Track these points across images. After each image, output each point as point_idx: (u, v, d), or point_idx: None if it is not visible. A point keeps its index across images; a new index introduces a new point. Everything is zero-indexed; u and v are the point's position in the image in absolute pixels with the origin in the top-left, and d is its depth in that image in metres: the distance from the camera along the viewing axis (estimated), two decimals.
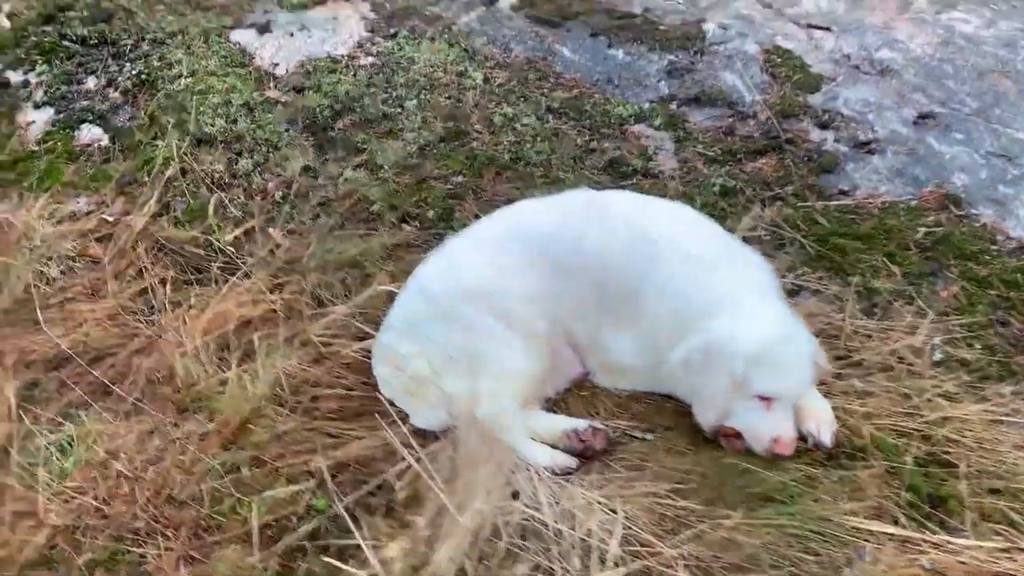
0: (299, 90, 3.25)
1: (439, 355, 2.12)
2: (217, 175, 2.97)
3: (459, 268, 2.20)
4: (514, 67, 3.32)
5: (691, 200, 2.73)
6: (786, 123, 3.04)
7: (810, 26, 3.46)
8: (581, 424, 2.05)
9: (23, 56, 3.53)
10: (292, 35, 3.53)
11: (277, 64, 3.40)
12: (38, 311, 2.62)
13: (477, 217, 2.74)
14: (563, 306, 2.18)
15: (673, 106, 3.14)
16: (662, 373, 2.10)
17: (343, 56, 3.40)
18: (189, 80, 3.30)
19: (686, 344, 2.00)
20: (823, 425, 2.02)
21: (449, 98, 3.19)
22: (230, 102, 3.20)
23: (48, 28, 3.63)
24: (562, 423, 2.07)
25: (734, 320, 1.96)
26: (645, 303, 2.09)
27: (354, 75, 3.30)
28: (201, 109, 3.17)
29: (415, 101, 3.17)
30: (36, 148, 3.17)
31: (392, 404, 2.16)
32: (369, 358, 2.31)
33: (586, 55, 3.36)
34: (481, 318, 2.11)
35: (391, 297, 2.41)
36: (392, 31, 3.49)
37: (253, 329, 2.45)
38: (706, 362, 1.97)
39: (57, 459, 2.15)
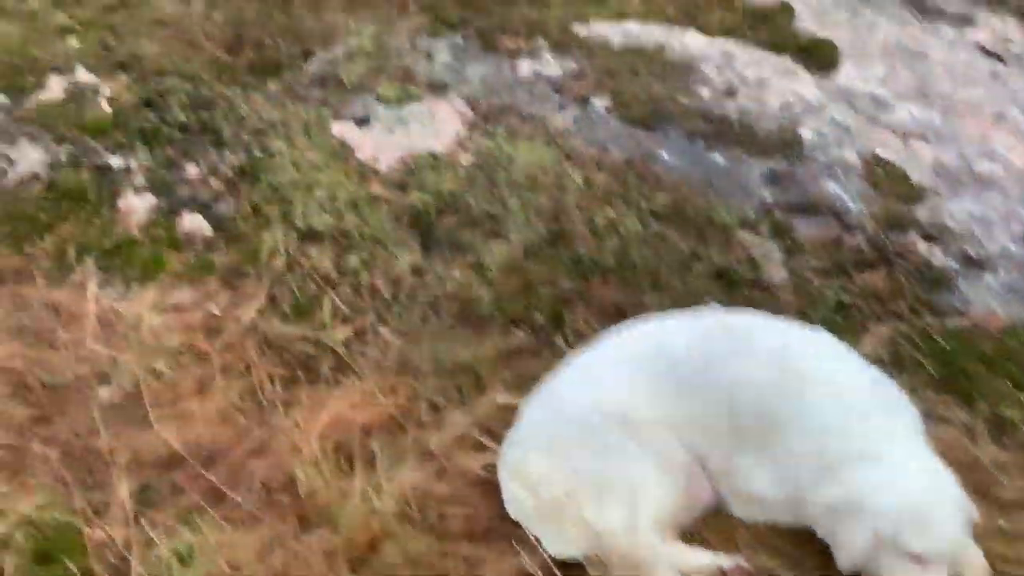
0: (402, 187, 3.28)
1: (575, 478, 2.07)
2: (324, 271, 2.97)
3: (597, 388, 2.17)
4: (613, 169, 3.34)
5: (806, 315, 2.71)
6: (893, 235, 3.03)
7: (906, 135, 3.47)
8: (727, 562, 1.98)
9: (124, 140, 3.58)
10: (391, 130, 3.57)
11: (378, 159, 3.43)
12: (148, 408, 2.60)
13: (587, 324, 2.72)
14: (698, 432, 2.14)
15: (778, 214, 3.14)
16: (801, 509, 2.05)
17: (443, 153, 3.43)
18: (293, 173, 3.33)
19: (830, 490, 1.95)
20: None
21: (551, 199, 3.20)
22: (335, 197, 3.23)
23: (149, 114, 3.69)
24: (706, 559, 2.01)
25: (883, 471, 1.92)
26: (787, 437, 2.05)
27: (455, 173, 3.33)
28: (307, 203, 3.19)
29: (517, 201, 3.18)
30: (139, 236, 3.19)
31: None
32: (493, 473, 2.27)
33: (685, 158, 3.38)
34: (620, 442, 2.07)
35: (510, 408, 2.37)
36: (490, 129, 3.53)
37: (370, 435, 2.42)
38: (851, 512, 1.92)
39: (178, 571, 2.11)
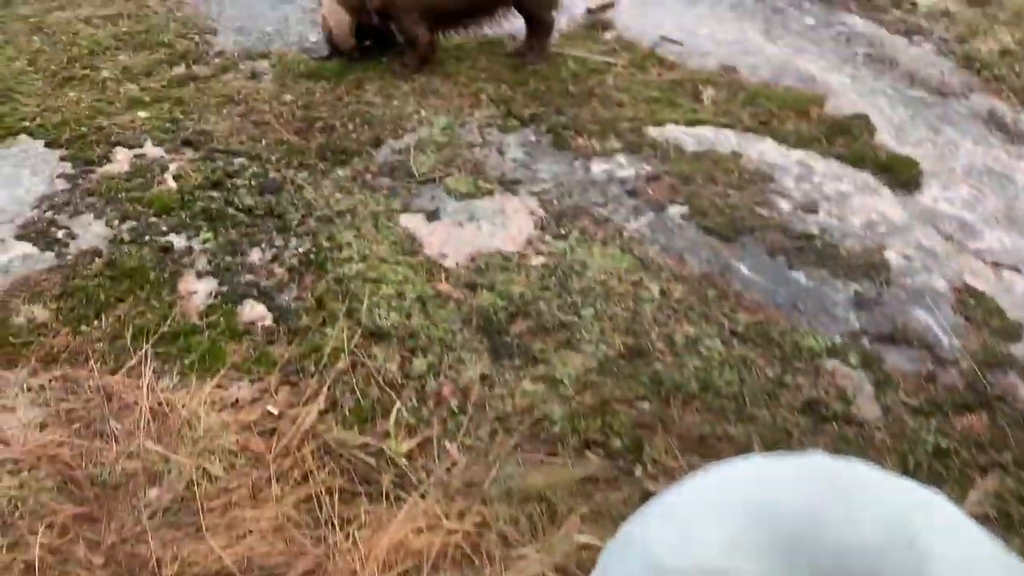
0: (471, 287, 3.16)
1: None
2: (389, 374, 2.83)
3: (691, 541, 1.98)
4: (691, 281, 3.20)
5: (903, 457, 2.54)
6: (991, 375, 2.86)
7: (996, 264, 3.32)
8: None
9: (188, 220, 3.51)
10: (461, 225, 3.48)
11: (447, 255, 3.33)
12: (199, 514, 2.45)
13: (668, 454, 2.56)
14: None
15: (866, 342, 2.98)
16: None
17: (514, 253, 3.33)
18: (360, 265, 3.23)
19: None
20: None
21: (626, 310, 3.07)
22: (403, 294, 3.11)
23: (215, 194, 3.64)
24: None
25: None
26: None
27: (526, 275, 3.21)
28: (373, 298, 3.08)
29: (591, 311, 3.05)
30: (198, 322, 3.08)
31: None
32: None
33: (766, 275, 3.24)
34: None
35: (590, 548, 2.20)
36: (562, 231, 3.42)
37: (436, 569, 2.25)
38: None
39: None
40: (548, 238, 3.41)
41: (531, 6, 4.39)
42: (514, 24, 4.63)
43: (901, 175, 3.78)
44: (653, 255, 3.32)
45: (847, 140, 4.01)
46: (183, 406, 2.77)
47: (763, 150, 3.93)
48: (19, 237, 3.43)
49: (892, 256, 3.33)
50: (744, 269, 3.26)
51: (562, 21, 4.72)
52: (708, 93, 4.38)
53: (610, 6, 5.23)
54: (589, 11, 5.17)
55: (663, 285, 3.18)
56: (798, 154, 3.92)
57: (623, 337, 2.97)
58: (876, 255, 3.33)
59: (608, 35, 4.96)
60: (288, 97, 4.28)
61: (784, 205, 3.59)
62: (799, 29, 5.04)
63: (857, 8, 5.27)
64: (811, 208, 3.57)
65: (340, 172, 3.77)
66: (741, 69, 4.61)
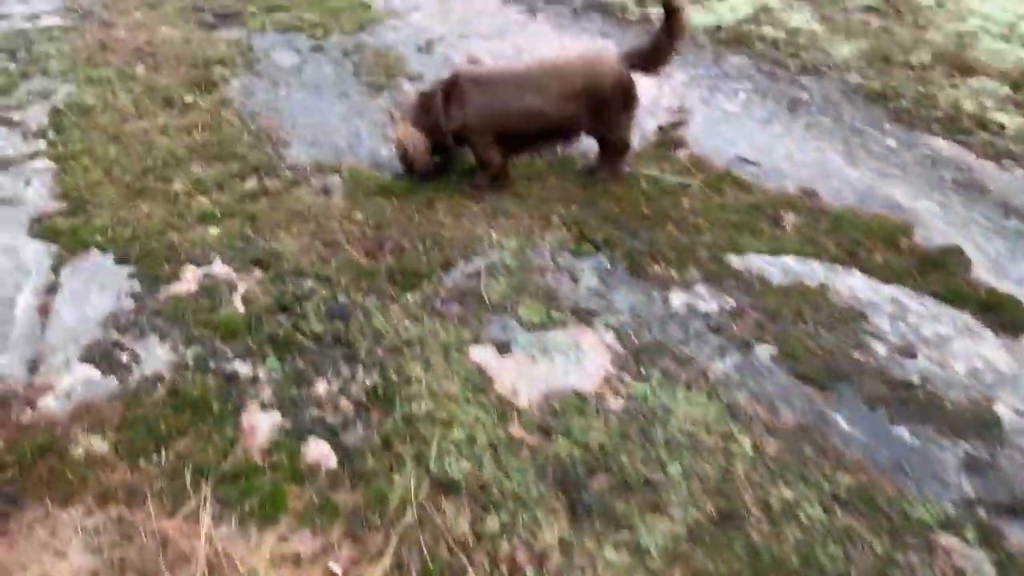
0: (546, 432, 2.98)
1: None
2: (459, 534, 2.63)
3: None
4: (785, 434, 2.97)
5: None
6: None
7: None
8: None
9: (254, 346, 3.41)
10: (533, 359, 3.32)
11: (519, 393, 3.16)
12: None
13: None
14: None
15: (982, 513, 2.70)
16: None
17: (591, 394, 3.14)
18: (429, 404, 3.08)
19: None
20: None
21: (716, 467, 2.84)
22: (474, 438, 2.94)
23: (283, 318, 3.54)
24: None
25: None
26: None
27: (605, 421, 3.02)
28: (443, 443, 2.91)
29: (678, 467, 2.83)
30: (261, 462, 2.93)
31: None
32: None
33: (866, 430, 3.00)
34: None
35: None
36: (642, 370, 3.23)
37: None
38: None
39: None
40: (627, 378, 3.23)
41: (604, 131, 4.31)
42: (585, 143, 4.56)
43: (1004, 316, 3.53)
44: (743, 403, 3.10)
45: (941, 275, 3.79)
46: (242, 560, 2.60)
47: (852, 284, 3.72)
48: (83, 359, 3.36)
49: (1003, 411, 3.06)
50: (842, 422, 3.02)
51: (633, 138, 4.62)
52: (789, 219, 4.21)
53: (682, 123, 5.14)
54: (660, 128, 5.09)
55: (755, 439, 2.95)
56: (890, 290, 3.70)
57: (714, 499, 2.74)
58: (985, 409, 3.07)
59: (681, 153, 4.86)
60: (359, 215, 4.23)
61: (880, 348, 3.36)
62: (881, 151, 4.88)
63: (940, 130, 5.11)
64: (909, 352, 3.33)
65: (410, 297, 3.66)
66: (822, 193, 4.45)
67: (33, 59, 5.91)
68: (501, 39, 6.35)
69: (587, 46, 5.64)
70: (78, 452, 2.97)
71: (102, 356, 3.39)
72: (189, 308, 3.61)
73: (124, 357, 3.39)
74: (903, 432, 2.99)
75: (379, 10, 6.95)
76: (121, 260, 3.90)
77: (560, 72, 4.17)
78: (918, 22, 6.64)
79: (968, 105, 5.26)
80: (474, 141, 4.29)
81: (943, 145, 4.97)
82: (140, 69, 5.81)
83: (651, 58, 4.16)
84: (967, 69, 5.64)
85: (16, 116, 5.11)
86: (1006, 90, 5.42)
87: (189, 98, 5.41)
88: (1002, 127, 5.03)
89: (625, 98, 4.17)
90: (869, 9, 6.90)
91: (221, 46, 6.20)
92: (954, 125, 5.13)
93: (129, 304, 3.64)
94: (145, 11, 6.92)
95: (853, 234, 4.09)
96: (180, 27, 6.59)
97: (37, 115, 5.13)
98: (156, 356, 3.38)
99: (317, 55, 6.12)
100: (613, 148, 4.39)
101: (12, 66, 5.79)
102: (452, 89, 4.26)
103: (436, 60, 6.02)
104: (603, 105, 4.13)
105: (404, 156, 4.36)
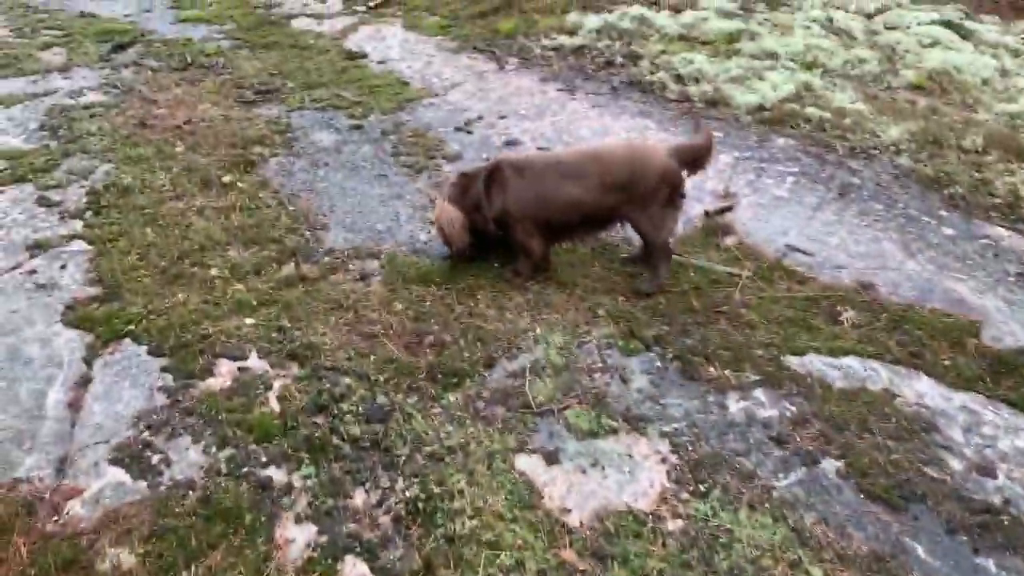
0: (600, 557, 2.77)
1: None
2: None
3: None
4: (858, 563, 2.75)
5: None
6: None
7: None
8: None
9: (290, 450, 3.25)
10: (584, 471, 3.13)
11: (570, 510, 2.96)
12: None
13: None
14: None
15: None
16: None
17: (646, 512, 2.94)
18: (473, 522, 2.89)
19: None
20: None
21: None
22: (522, 564, 2.74)
23: (319, 420, 3.39)
24: None
25: None
26: None
27: (663, 544, 2.81)
28: (489, 570, 2.71)
29: None
30: None
31: None
32: None
33: (947, 560, 2.76)
34: None
35: None
36: (701, 487, 3.03)
37: None
38: None
39: None
40: (685, 495, 3.02)
41: (645, 227, 4.15)
42: (628, 229, 4.41)
43: None
44: (811, 526, 2.88)
45: (1015, 381, 3.57)
46: None
47: (920, 390, 3.51)
48: (113, 461, 3.23)
49: None
50: (920, 551, 2.79)
51: (679, 224, 4.48)
52: (847, 315, 4.02)
53: (729, 209, 5.00)
54: (707, 214, 4.95)
55: (827, 568, 2.73)
56: (961, 397, 3.49)
57: None
58: None
59: (728, 240, 4.71)
60: (398, 305, 4.10)
61: (955, 464, 3.14)
62: (938, 241, 4.70)
63: (1000, 218, 4.92)
64: (988, 471, 3.11)
65: (451, 397, 3.50)
66: (879, 286, 4.26)
67: (74, 136, 5.92)
68: (540, 119, 6.29)
69: (637, 136, 5.53)
70: (104, 567, 2.81)
71: (132, 458, 3.25)
72: (223, 407, 3.47)
73: (155, 459, 3.25)
74: (989, 565, 2.76)
75: (417, 88, 6.95)
76: (155, 352, 3.79)
77: (603, 161, 4.05)
78: (966, 101, 6.51)
79: None
80: (515, 228, 4.18)
81: (1003, 234, 4.79)
82: (179, 147, 5.81)
83: (696, 158, 4.05)
84: (1022, 153, 5.47)
85: (55, 196, 5.08)
86: None
87: (227, 178, 5.37)
88: None
89: (671, 194, 4.03)
90: (915, 88, 6.79)
91: (260, 124, 6.20)
92: (1014, 213, 4.95)
93: (162, 400, 3.52)
94: (186, 87, 6.96)
95: (916, 333, 3.89)
96: (219, 104, 6.62)
97: (76, 195, 5.10)
98: (188, 459, 3.24)
99: (356, 134, 6.09)
100: (655, 249, 4.22)
101: (54, 144, 5.81)
102: (494, 175, 4.16)
103: (475, 140, 5.96)
104: (646, 199, 4.00)
105: (442, 234, 4.26)
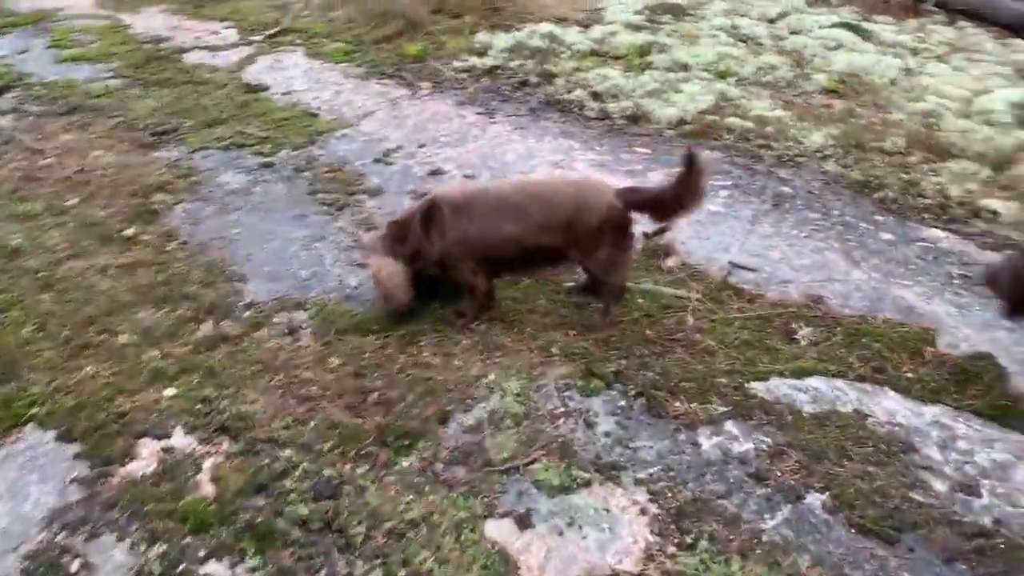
0: None
1: None
2: None
3: None
4: None
5: None
6: None
7: None
8: None
9: (231, 541, 2.91)
10: (560, 533, 2.89)
11: None
12: None
13: None
14: None
15: None
16: None
17: (633, 575, 2.71)
18: None
19: None
20: None
21: None
22: None
23: (261, 501, 3.05)
24: None
25: None
26: None
27: None
28: None
29: None
30: None
31: None
32: None
33: None
34: None
35: None
36: (687, 538, 2.83)
37: None
38: None
39: None
40: (671, 548, 2.82)
41: (595, 271, 3.96)
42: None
43: None
44: (806, 571, 2.71)
45: (979, 389, 3.51)
46: None
47: (890, 408, 3.42)
48: (25, 572, 2.81)
49: None
50: None
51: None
52: (803, 332, 3.92)
53: (667, 228, 4.86)
54: (646, 236, 4.79)
55: None
56: (931, 411, 3.41)
57: None
58: None
59: (671, 261, 4.57)
60: (335, 360, 3.78)
61: (939, 485, 3.04)
62: (878, 247, 4.66)
63: (933, 219, 4.93)
64: (972, 489, 3.02)
65: (405, 462, 3.21)
66: (829, 299, 4.19)
67: None
68: (462, 145, 6.05)
69: (584, 175, 5.30)
70: None
71: (48, 567, 2.87)
72: (149, 496, 3.10)
73: (74, 566, 2.88)
74: None
75: (327, 119, 6.60)
76: (64, 437, 3.38)
77: (545, 199, 3.83)
78: (878, 103, 6.59)
79: (955, 191, 5.12)
80: (459, 268, 3.91)
81: (939, 235, 4.79)
82: (72, 200, 5.32)
83: (656, 206, 3.82)
84: (942, 152, 5.53)
85: None
86: (987, 172, 5.30)
87: (129, 231, 4.93)
88: (995, 213, 4.88)
89: (616, 236, 3.82)
90: (828, 91, 6.85)
91: (160, 169, 5.75)
92: (946, 213, 4.97)
93: (77, 494, 3.13)
94: (75, 133, 6.43)
95: (874, 346, 3.81)
96: (113, 149, 6.12)
97: None
98: (114, 560, 2.87)
99: (266, 173, 5.71)
100: (604, 289, 4.03)
101: None
102: (431, 214, 3.89)
103: (396, 171, 5.67)
104: (591, 240, 3.79)
105: (383, 293, 3.93)
